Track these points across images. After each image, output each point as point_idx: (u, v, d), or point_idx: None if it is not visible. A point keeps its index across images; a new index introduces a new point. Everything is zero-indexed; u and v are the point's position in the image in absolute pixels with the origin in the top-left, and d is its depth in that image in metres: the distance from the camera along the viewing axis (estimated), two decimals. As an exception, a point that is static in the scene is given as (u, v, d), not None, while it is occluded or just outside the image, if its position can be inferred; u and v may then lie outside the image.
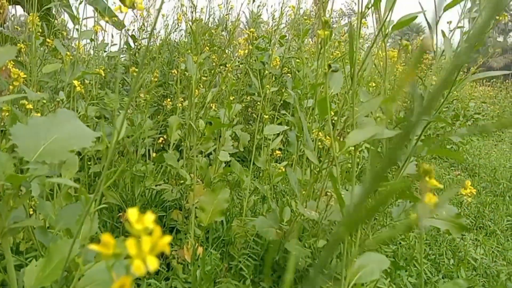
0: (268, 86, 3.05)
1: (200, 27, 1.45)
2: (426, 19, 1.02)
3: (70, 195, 1.13)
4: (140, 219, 0.24)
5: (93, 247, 0.24)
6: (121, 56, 3.83)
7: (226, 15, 3.24)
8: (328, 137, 1.22)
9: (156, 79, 1.83)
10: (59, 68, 1.27)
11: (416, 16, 0.88)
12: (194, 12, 1.53)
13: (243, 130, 2.79)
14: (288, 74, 3.30)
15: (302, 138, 1.69)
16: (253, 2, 3.12)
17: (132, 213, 0.24)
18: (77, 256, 0.67)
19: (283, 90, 3.17)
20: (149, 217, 0.24)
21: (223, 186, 1.20)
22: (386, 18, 0.83)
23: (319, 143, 1.14)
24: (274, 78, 3.43)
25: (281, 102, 3.09)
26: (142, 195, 1.54)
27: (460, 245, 1.78)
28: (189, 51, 2.63)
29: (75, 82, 1.11)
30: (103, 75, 1.61)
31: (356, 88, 0.80)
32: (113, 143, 0.51)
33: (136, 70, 1.70)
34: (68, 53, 1.30)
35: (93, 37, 2.01)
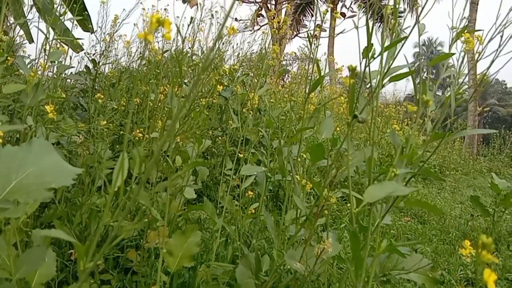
0: (231, 122, 3.02)
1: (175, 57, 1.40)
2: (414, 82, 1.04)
3: (22, 231, 1.00)
4: None
5: None
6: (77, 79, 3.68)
7: (191, 48, 3.22)
8: (308, 182, 1.19)
9: (122, 107, 1.74)
10: (22, 89, 1.16)
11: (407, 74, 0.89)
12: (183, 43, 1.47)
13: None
14: (250, 112, 3.30)
15: (273, 178, 1.65)
16: (219, 40, 3.12)
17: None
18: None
19: (243, 127, 3.15)
20: None
21: (194, 228, 1.13)
22: (385, 71, 0.83)
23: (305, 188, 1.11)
24: (234, 113, 3.41)
25: (242, 138, 3.06)
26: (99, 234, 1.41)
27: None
28: (155, 80, 2.56)
29: (48, 108, 1.01)
30: (65, 99, 1.50)
31: (350, 136, 0.78)
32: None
33: (101, 96, 1.60)
34: (32, 73, 1.20)
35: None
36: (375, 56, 0.85)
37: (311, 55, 1.37)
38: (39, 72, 1.19)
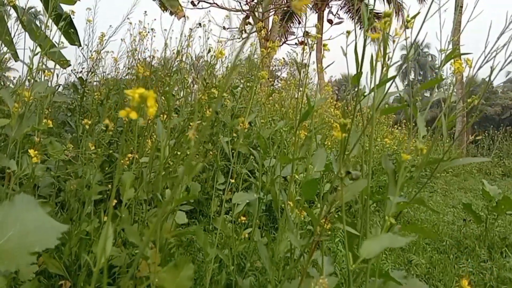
0: (221, 135, 3.00)
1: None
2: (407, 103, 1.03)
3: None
4: None
5: None
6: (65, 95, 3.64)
7: (181, 62, 3.20)
8: (302, 210, 1.18)
9: (111, 132, 1.71)
10: (6, 123, 1.13)
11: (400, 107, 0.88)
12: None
13: (193, 179, 2.69)
14: (240, 125, 3.29)
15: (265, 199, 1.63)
16: (208, 53, 3.11)
17: None
18: None
19: (235, 140, 3.14)
20: None
21: (187, 261, 1.10)
22: (379, 103, 0.82)
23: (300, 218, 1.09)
24: (224, 126, 3.40)
25: (233, 152, 3.05)
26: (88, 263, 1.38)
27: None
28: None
29: (32, 152, 0.98)
30: (52, 126, 1.47)
31: (343, 170, 0.77)
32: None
33: (88, 122, 1.57)
34: (16, 105, 1.17)
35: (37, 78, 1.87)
36: (365, 94, 0.84)
37: (302, 68, 1.36)
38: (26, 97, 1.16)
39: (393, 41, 0.89)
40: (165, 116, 1.31)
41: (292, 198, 1.24)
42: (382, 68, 0.83)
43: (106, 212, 1.63)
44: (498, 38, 0.87)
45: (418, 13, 1.00)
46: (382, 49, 0.79)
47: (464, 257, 2.54)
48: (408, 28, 0.85)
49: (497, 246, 2.72)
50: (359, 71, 0.95)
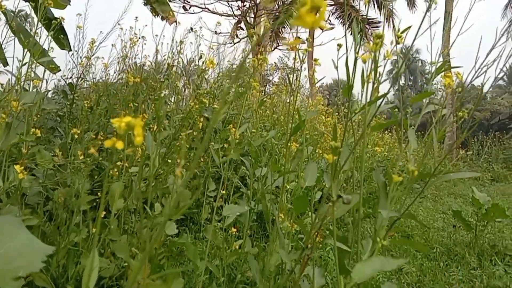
0: (212, 143, 2.99)
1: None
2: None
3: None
4: None
5: None
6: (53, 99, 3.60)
7: (171, 68, 3.18)
8: (293, 223, 1.17)
9: (100, 141, 1.69)
10: (-8, 135, 1.11)
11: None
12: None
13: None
14: (231, 136, 3.29)
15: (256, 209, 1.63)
16: (199, 59, 3.10)
17: None
18: None
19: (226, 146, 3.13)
20: None
21: (176, 275, 1.09)
22: (368, 123, 0.82)
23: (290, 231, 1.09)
24: (215, 132, 3.40)
25: (224, 157, 3.04)
26: (76, 274, 1.36)
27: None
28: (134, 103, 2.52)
29: (17, 168, 0.97)
30: (40, 135, 1.45)
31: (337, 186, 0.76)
32: None
33: (77, 131, 1.55)
34: (3, 115, 1.15)
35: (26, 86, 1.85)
36: (356, 112, 0.84)
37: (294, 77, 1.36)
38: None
39: (384, 57, 0.89)
40: (155, 126, 1.30)
41: (284, 208, 1.23)
42: (373, 84, 0.83)
43: (95, 222, 1.61)
44: (488, 54, 0.88)
45: (410, 27, 1.01)
46: (373, 71, 0.79)
47: (454, 264, 2.55)
48: (398, 43, 0.85)
49: (486, 253, 2.74)
50: (350, 84, 0.95)
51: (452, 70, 1.07)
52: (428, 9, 0.97)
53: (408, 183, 1.00)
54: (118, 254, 1.21)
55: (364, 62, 0.82)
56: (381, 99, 0.79)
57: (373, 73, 0.81)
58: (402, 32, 0.97)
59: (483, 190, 7.22)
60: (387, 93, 0.78)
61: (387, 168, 4.58)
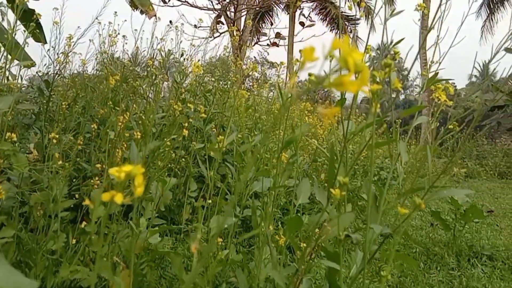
0: (194, 143, 2.94)
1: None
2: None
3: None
4: None
5: None
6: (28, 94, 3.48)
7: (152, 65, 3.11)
8: (282, 236, 1.15)
9: (79, 146, 1.63)
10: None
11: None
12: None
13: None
14: (213, 129, 3.24)
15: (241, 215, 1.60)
16: (181, 56, 3.05)
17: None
18: None
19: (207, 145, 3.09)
20: None
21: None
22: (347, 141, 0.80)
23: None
24: (196, 131, 3.35)
25: (206, 157, 3.00)
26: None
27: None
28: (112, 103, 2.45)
29: None
30: (16, 139, 1.39)
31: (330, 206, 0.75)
32: None
33: (56, 136, 1.49)
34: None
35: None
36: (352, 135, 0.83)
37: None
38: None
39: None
40: (139, 135, 1.26)
41: (270, 219, 1.21)
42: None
43: (74, 232, 1.55)
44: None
45: (403, 38, 0.99)
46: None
47: (433, 265, 2.59)
48: (395, 59, 0.84)
49: (464, 253, 2.79)
50: (342, 98, 0.93)
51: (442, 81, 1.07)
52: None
53: (400, 196, 1.00)
54: (102, 273, 1.16)
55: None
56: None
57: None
58: (395, 45, 0.96)
59: (458, 186, 7.38)
60: (381, 118, 0.76)
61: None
